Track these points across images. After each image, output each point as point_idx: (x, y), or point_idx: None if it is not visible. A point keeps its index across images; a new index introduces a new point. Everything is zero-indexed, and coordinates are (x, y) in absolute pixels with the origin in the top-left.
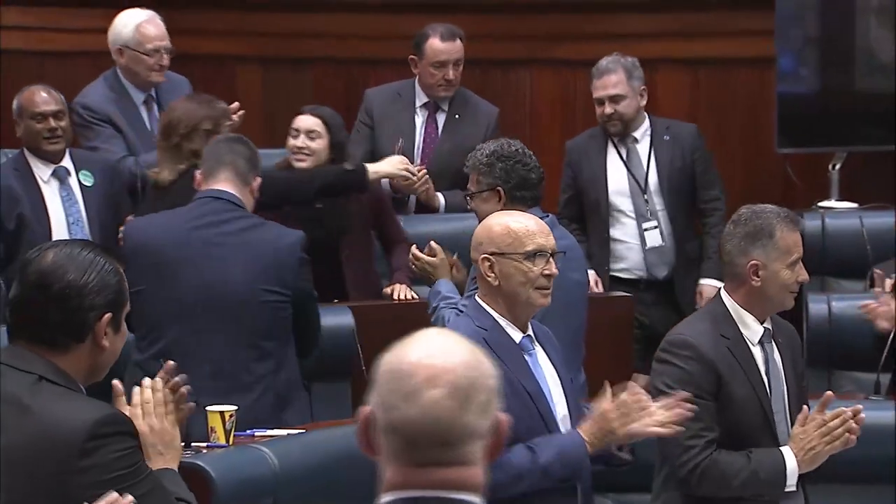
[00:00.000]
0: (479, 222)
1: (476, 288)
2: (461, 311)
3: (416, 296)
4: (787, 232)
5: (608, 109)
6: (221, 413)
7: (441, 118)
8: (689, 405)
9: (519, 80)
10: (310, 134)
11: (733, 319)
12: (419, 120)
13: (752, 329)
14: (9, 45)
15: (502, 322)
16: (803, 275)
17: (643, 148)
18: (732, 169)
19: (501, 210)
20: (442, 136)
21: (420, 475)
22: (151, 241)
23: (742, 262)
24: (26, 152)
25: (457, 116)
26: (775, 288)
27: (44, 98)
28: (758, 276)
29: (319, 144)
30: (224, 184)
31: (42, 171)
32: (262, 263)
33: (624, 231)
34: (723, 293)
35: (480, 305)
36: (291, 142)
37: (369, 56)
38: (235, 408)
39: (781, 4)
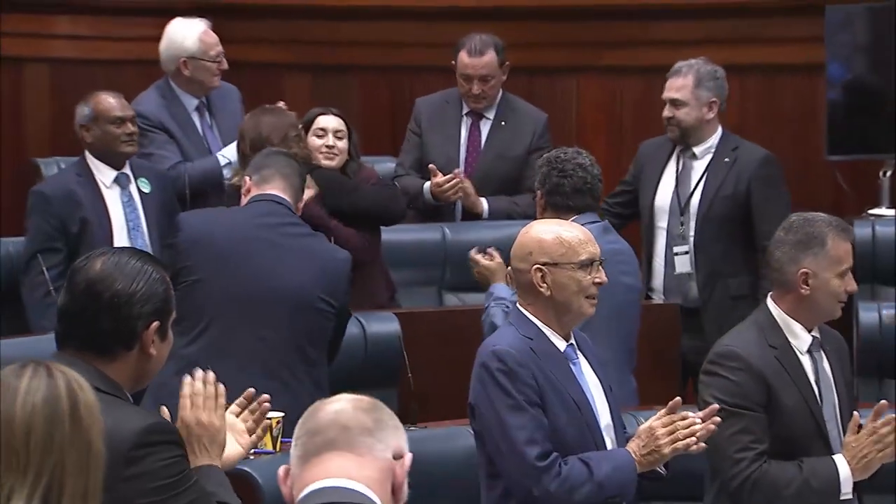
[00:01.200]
0: None
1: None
2: (507, 309)
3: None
4: (838, 241)
5: (667, 112)
6: (269, 419)
7: (486, 126)
8: (717, 418)
9: (565, 88)
10: (337, 133)
11: (781, 328)
12: (464, 128)
13: (800, 338)
14: (60, 53)
15: (546, 331)
16: (852, 285)
17: (700, 166)
18: None
19: (541, 214)
20: (486, 143)
21: (315, 467)
22: (216, 233)
23: (792, 269)
24: (88, 158)
25: (502, 123)
26: (824, 297)
27: (120, 103)
28: (807, 285)
29: (345, 144)
30: (280, 192)
31: (105, 177)
32: (319, 271)
33: (656, 248)
34: (769, 302)
35: (523, 314)
36: (317, 141)
37: (415, 63)
38: (282, 414)
39: (831, 11)
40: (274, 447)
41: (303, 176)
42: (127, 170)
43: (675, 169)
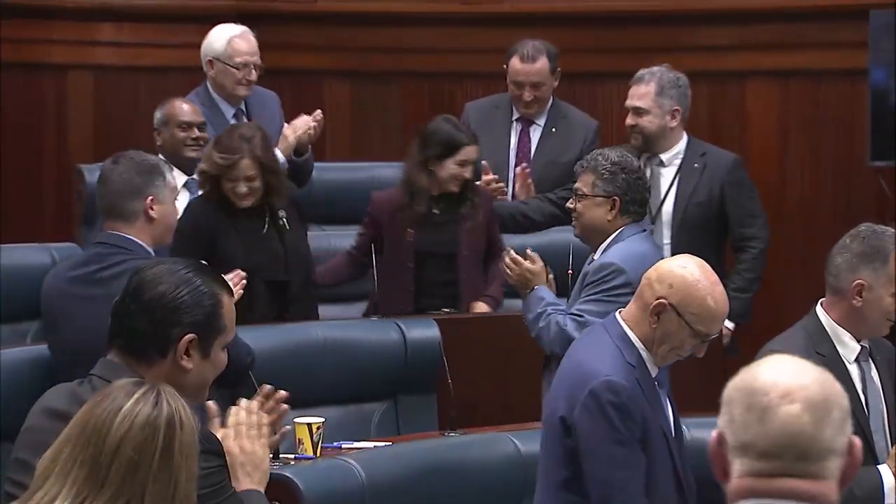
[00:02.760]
0: (580, 223)
1: (593, 296)
2: (580, 318)
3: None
4: None
5: (630, 120)
6: (309, 425)
7: (536, 132)
8: None
9: (606, 94)
10: (466, 164)
11: (829, 336)
12: (514, 133)
13: (848, 347)
14: (104, 60)
15: (644, 355)
16: None
17: (668, 173)
18: (823, 182)
19: (609, 220)
20: (536, 149)
21: (769, 484)
22: (46, 290)
23: (848, 278)
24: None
25: (553, 130)
26: (875, 312)
27: (189, 109)
28: (860, 297)
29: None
30: (108, 224)
31: (175, 180)
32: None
33: None
34: (819, 309)
35: (627, 335)
36: (457, 170)
37: (455, 70)
38: (323, 420)
39: (875, 15)
40: (314, 452)
41: (124, 184)
42: (196, 176)
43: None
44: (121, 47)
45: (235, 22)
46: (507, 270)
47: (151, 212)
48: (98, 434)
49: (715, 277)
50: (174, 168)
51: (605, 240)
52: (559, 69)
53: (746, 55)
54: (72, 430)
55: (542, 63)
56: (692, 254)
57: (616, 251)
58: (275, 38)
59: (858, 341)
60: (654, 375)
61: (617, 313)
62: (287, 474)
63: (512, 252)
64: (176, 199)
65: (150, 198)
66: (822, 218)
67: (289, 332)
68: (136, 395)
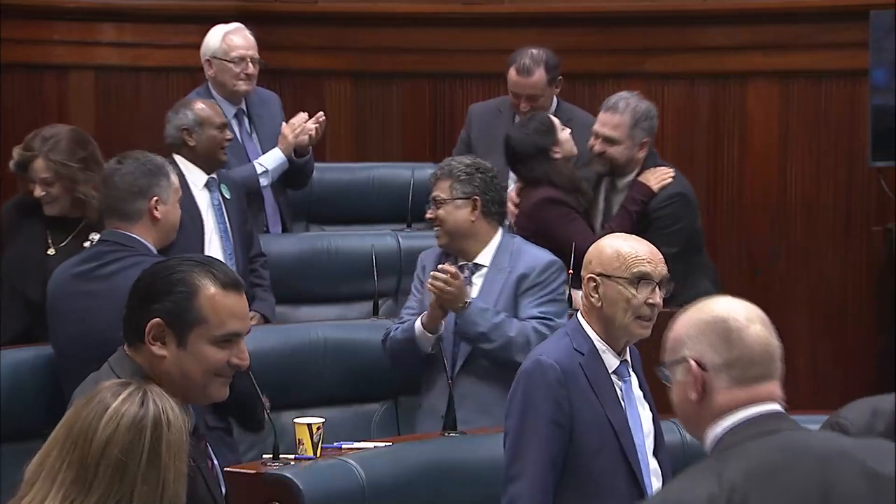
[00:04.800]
0: (444, 230)
1: (545, 297)
2: (550, 322)
3: None
4: None
5: (599, 147)
6: (309, 425)
7: None
8: None
9: (607, 94)
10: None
11: None
12: None
13: None
14: (105, 60)
15: (600, 346)
16: None
17: (618, 200)
18: (824, 182)
19: (472, 220)
20: None
21: (753, 391)
22: (50, 287)
23: None
24: (179, 160)
25: None
26: None
27: (218, 111)
28: None
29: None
30: (113, 223)
31: (196, 179)
32: (120, 308)
33: None
34: None
35: (581, 326)
36: (566, 134)
37: (457, 70)
38: (323, 420)
39: (876, 16)
40: (314, 453)
41: (128, 187)
42: (214, 175)
43: (603, 196)
44: (122, 48)
45: (237, 22)
46: (442, 285)
47: (156, 212)
48: (84, 436)
49: (629, 235)
50: (196, 168)
51: (477, 245)
52: (560, 77)
53: (747, 56)
54: (58, 433)
55: (539, 76)
56: None
57: (536, 251)
58: (276, 38)
59: None
60: (612, 368)
61: (579, 312)
62: (287, 474)
63: (447, 266)
64: (178, 199)
65: (155, 198)
66: (823, 218)
67: (289, 332)
68: (122, 396)
